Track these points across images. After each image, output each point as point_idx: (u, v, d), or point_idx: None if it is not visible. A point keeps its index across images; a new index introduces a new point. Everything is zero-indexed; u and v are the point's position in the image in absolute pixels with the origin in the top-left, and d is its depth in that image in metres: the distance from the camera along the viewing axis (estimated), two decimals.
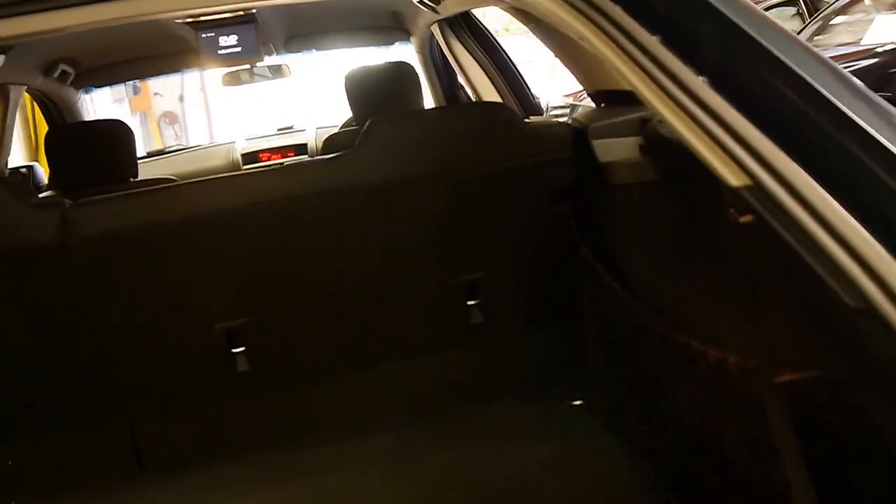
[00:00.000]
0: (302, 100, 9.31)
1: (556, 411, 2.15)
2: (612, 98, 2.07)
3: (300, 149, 4.27)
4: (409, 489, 1.91)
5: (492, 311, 2.17)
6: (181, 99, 11.35)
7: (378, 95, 2.59)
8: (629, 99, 1.85)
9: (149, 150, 4.74)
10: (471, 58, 3.14)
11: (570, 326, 2.17)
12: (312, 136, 4.29)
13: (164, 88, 10.57)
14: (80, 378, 2.04)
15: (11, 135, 3.24)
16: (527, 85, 3.11)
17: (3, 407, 2.01)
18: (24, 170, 3.45)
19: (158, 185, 2.18)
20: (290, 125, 4.54)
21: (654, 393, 1.81)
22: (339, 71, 2.74)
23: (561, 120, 2.22)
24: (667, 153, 1.70)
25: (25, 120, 4.41)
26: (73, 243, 1.89)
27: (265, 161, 4.24)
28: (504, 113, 2.17)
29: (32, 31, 1.47)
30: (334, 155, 2.04)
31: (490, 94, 3.11)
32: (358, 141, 2.00)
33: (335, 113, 4.08)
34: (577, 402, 2.17)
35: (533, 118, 2.79)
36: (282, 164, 4.23)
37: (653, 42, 1.01)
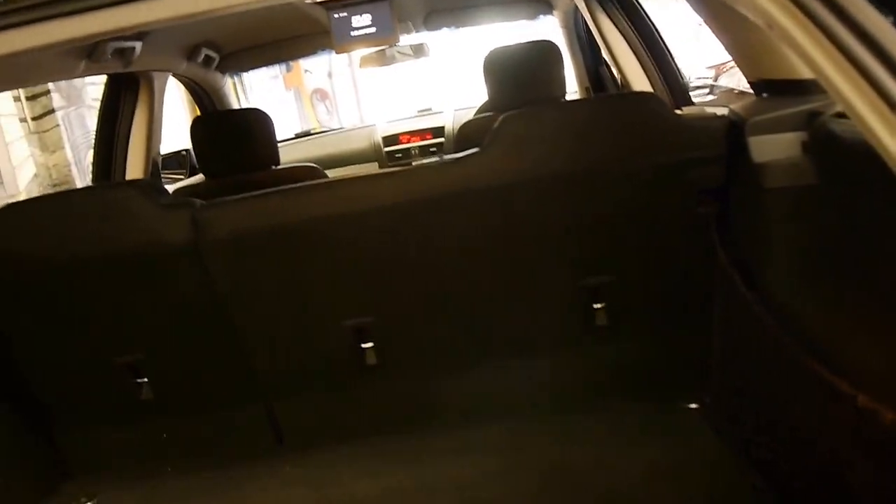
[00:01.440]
0: (444, 78, 9.39)
1: (672, 414, 2.10)
2: (777, 88, 1.86)
3: (437, 132, 4.32)
4: (522, 480, 1.91)
5: (616, 314, 2.11)
6: (330, 76, 11.72)
7: (517, 78, 2.50)
8: (799, 89, 1.70)
9: (303, 125, 4.91)
10: (618, 34, 2.83)
11: (693, 331, 2.09)
12: (450, 119, 4.33)
13: (314, 66, 10.94)
14: (222, 366, 2.18)
15: (161, 121, 3.36)
16: (678, 67, 2.77)
17: (156, 389, 2.20)
18: (184, 152, 3.67)
19: (309, 179, 2.27)
20: (428, 107, 4.59)
21: (777, 413, 1.72)
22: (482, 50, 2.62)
23: (716, 111, 2.01)
24: (836, 153, 1.52)
25: (192, 102, 4.65)
26: (204, 244, 1.98)
27: (405, 143, 4.33)
28: (654, 105, 1.99)
29: (161, 18, 1.49)
30: (462, 155, 2.00)
31: (636, 76, 2.83)
32: (487, 139, 1.96)
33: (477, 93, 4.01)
34: (694, 406, 2.11)
35: (685, 109, 2.57)
36: (419, 147, 4.33)
37: (880, 25, 0.93)
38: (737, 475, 1.80)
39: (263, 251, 2.01)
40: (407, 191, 1.99)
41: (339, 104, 11.80)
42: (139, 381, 2.18)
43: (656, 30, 2.82)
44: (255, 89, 9.19)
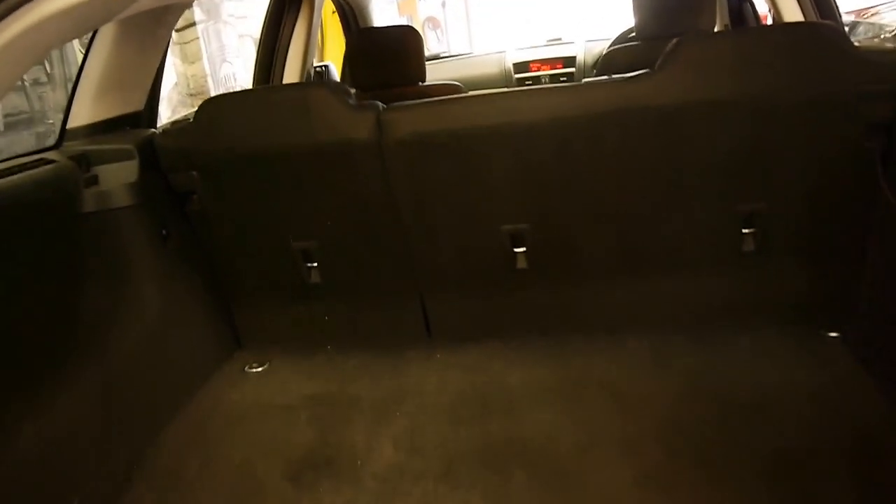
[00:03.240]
0: (560, 12, 9.30)
1: (814, 340, 2.19)
2: None
3: (569, 61, 4.38)
4: (661, 387, 2.06)
5: (766, 241, 2.20)
6: (443, 5, 11.74)
7: (668, 9, 2.56)
8: None
9: None
10: None
11: (842, 262, 2.16)
12: (581, 50, 4.38)
13: None
14: (386, 258, 2.38)
15: (317, 36, 3.58)
16: (836, 3, 2.66)
17: (324, 274, 2.42)
18: (321, 68, 3.87)
19: (453, 95, 2.39)
20: (558, 37, 4.64)
21: None
22: None
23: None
24: None
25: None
26: (387, 142, 2.15)
27: (535, 71, 4.41)
28: (831, 34, 1.96)
29: None
30: (635, 74, 2.07)
31: (791, 11, 2.69)
32: (661, 60, 2.02)
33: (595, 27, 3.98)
34: (835, 335, 2.19)
35: (864, 41, 2.49)
36: (549, 76, 4.40)
37: None
38: (875, 401, 1.89)
39: (437, 153, 2.16)
40: (578, 105, 2.09)
41: (449, 33, 11.83)
42: (310, 265, 2.39)
43: None
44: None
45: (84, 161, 2.12)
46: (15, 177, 1.86)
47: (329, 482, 1.85)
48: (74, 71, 6.20)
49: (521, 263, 2.32)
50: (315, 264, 2.40)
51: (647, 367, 2.16)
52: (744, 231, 2.20)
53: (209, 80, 6.03)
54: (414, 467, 1.87)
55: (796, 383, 2.01)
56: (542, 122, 2.10)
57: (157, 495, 1.87)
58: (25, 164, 1.95)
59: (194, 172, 2.27)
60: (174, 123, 2.35)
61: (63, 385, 1.82)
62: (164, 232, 2.28)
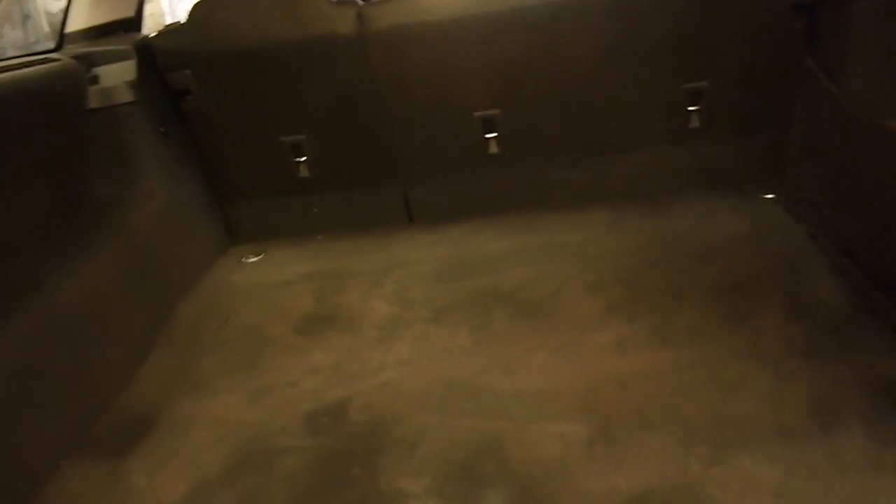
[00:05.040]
0: None
1: (751, 201, 2.48)
2: None
3: None
4: (620, 245, 2.33)
5: (710, 117, 2.47)
6: None
7: None
8: None
9: None
10: None
11: (775, 134, 2.45)
12: None
13: None
14: (370, 149, 2.60)
15: None
16: None
17: (313, 168, 2.63)
18: None
19: None
20: None
21: (849, 181, 2.08)
22: None
23: None
24: None
25: None
26: (368, 34, 2.37)
27: None
28: None
29: None
30: None
31: None
32: None
33: None
34: (770, 196, 2.48)
35: None
36: None
37: None
38: (805, 237, 2.19)
39: (415, 44, 2.38)
40: None
41: None
42: (299, 160, 2.61)
43: None
44: None
45: (86, 61, 2.29)
46: (26, 70, 2.03)
47: (333, 332, 2.10)
48: (31, 8, 6.21)
49: (493, 149, 2.56)
50: (304, 158, 2.62)
51: (610, 232, 2.43)
52: (689, 109, 2.47)
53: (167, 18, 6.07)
54: (406, 316, 2.12)
55: (735, 233, 2.29)
56: (507, 11, 2.33)
57: (179, 353, 2.10)
58: (31, 61, 2.12)
59: (188, 71, 2.46)
60: (167, 27, 2.53)
61: (91, 252, 2.03)
62: (163, 129, 2.47)
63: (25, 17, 6.14)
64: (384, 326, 2.09)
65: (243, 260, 2.65)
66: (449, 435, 1.59)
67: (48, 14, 6.26)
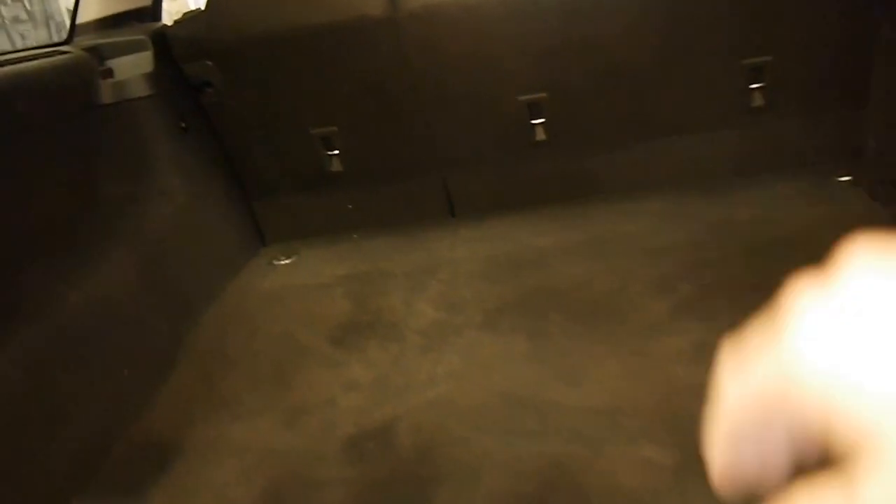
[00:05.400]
0: None
1: (824, 185, 2.25)
2: None
3: None
4: (684, 236, 2.11)
5: (774, 95, 2.24)
6: None
7: None
8: None
9: None
10: None
11: (848, 111, 2.21)
12: None
13: None
14: (405, 139, 2.40)
15: None
16: None
17: (345, 162, 2.44)
18: None
19: None
20: None
21: None
22: None
23: None
24: None
25: None
26: (400, 16, 2.17)
27: None
28: None
29: None
30: None
31: None
32: None
33: None
34: (846, 178, 2.25)
35: None
36: None
37: None
38: (891, 221, 1.96)
39: (451, 26, 2.18)
40: None
41: None
42: (331, 153, 2.42)
43: None
44: None
45: (98, 53, 2.12)
46: (34, 63, 1.86)
47: (374, 341, 1.91)
48: (55, 8, 6.10)
49: (540, 135, 2.35)
50: (336, 151, 2.43)
51: (668, 221, 2.21)
52: (751, 87, 2.24)
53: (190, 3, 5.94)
54: (455, 322, 1.92)
55: (812, 220, 2.06)
56: None
57: (203, 368, 1.92)
58: (40, 54, 1.95)
59: (208, 62, 2.27)
60: (186, 14, 2.34)
61: (102, 259, 1.85)
62: (182, 124, 2.29)
63: (49, 17, 6.04)
64: (430, 333, 1.90)
65: (274, 262, 2.47)
66: (514, 461, 1.39)
67: (69, 12, 6.16)
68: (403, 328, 1.94)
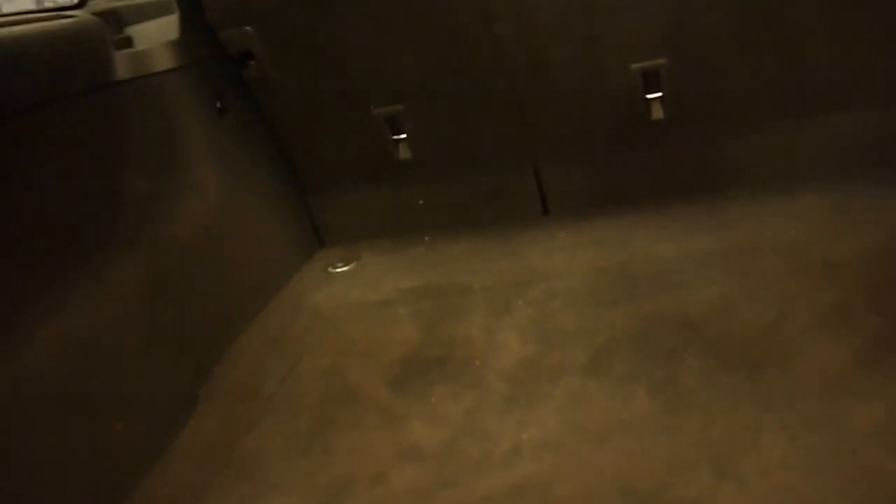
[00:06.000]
0: None
1: None
2: None
3: None
4: (867, 240, 1.56)
5: None
6: None
7: None
8: None
9: None
10: None
11: None
12: None
13: None
14: (490, 122, 1.93)
15: None
16: None
17: (414, 148, 1.99)
18: None
19: None
20: None
21: None
22: None
23: None
24: None
25: None
26: None
27: None
28: None
29: None
30: None
31: None
32: None
33: None
34: None
35: None
36: None
37: None
38: None
39: None
40: None
41: None
42: (397, 137, 1.97)
43: None
44: None
45: (113, 19, 1.73)
46: (29, 27, 1.47)
47: (443, 387, 1.46)
48: None
49: (657, 113, 1.84)
50: (403, 136, 1.98)
51: (834, 223, 1.67)
52: None
53: None
54: (549, 361, 1.45)
55: None
56: None
57: (227, 415, 1.51)
58: (40, 17, 1.57)
59: (249, 28, 1.86)
60: None
61: (104, 283, 1.46)
62: (218, 104, 1.89)
63: None
64: (518, 378, 1.43)
65: (330, 269, 2.05)
66: None
67: None
68: (482, 368, 1.48)
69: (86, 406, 1.31)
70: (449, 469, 1.23)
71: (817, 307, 1.41)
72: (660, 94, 1.82)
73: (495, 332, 1.59)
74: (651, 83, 1.81)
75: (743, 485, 1.06)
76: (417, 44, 1.85)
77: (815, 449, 1.09)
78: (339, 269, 2.03)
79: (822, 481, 1.04)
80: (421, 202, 2.08)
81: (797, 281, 1.51)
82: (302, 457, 1.34)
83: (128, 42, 1.74)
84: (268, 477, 1.31)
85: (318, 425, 1.42)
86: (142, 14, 1.78)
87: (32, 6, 2.54)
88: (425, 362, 1.55)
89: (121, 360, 1.43)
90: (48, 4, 2.33)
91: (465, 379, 1.46)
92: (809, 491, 1.02)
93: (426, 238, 2.08)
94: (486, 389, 1.41)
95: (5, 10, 1.96)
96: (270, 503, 1.25)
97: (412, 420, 1.38)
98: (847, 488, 1.01)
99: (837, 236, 1.62)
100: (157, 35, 1.76)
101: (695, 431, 1.18)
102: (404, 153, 1.99)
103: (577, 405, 1.31)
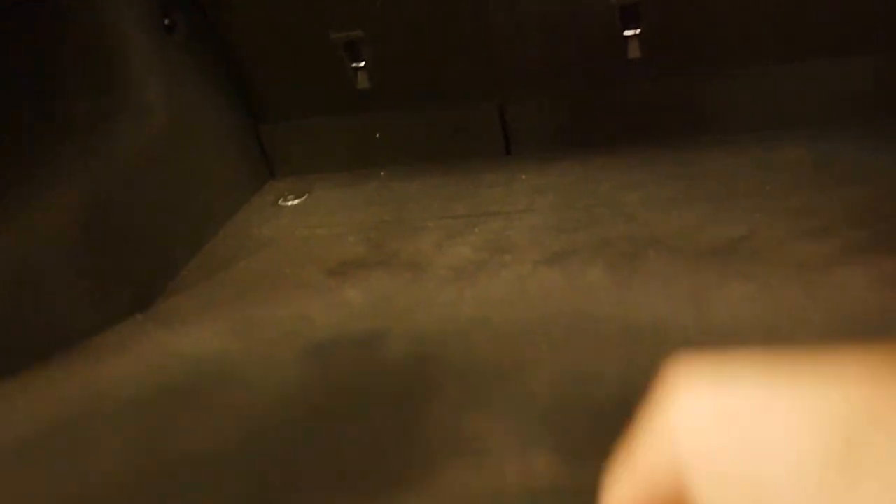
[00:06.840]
0: None
1: None
2: None
3: None
4: (832, 199, 1.50)
5: None
6: None
7: None
8: None
9: None
10: None
11: None
12: None
13: None
14: (452, 46, 1.85)
15: None
16: None
17: (374, 77, 1.90)
18: None
19: None
20: None
21: None
22: None
23: None
24: None
25: None
26: None
27: None
28: None
29: None
30: None
31: None
32: None
33: None
34: None
35: None
36: None
37: None
38: None
39: None
40: None
41: None
42: (356, 66, 1.90)
43: None
44: None
45: None
46: None
47: (383, 272, 1.33)
48: None
49: (634, 51, 1.77)
50: (362, 63, 1.90)
51: (814, 180, 1.59)
52: None
53: None
54: (503, 260, 1.33)
55: None
56: None
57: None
58: None
59: None
60: None
61: (38, 208, 1.34)
62: (166, 20, 1.81)
63: None
64: (465, 270, 1.31)
65: (280, 202, 1.92)
66: None
67: None
68: (428, 266, 1.36)
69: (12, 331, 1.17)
70: (379, 318, 1.09)
71: (795, 227, 1.32)
72: (637, 30, 1.76)
73: (447, 248, 1.47)
74: (629, 17, 1.75)
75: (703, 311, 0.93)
76: None
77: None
78: (289, 203, 1.90)
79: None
80: (378, 135, 1.98)
81: (771, 215, 1.42)
82: (223, 310, 1.20)
83: None
84: (186, 322, 1.16)
85: (243, 292, 1.28)
86: None
87: None
88: (368, 263, 1.42)
89: (54, 287, 1.30)
90: None
91: (409, 269, 1.34)
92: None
93: (382, 173, 1.97)
94: (430, 274, 1.29)
95: None
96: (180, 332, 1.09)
97: (345, 289, 1.24)
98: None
99: (813, 189, 1.54)
100: None
101: (654, 292, 1.06)
102: (362, 82, 1.91)
103: (525, 280, 1.19)
